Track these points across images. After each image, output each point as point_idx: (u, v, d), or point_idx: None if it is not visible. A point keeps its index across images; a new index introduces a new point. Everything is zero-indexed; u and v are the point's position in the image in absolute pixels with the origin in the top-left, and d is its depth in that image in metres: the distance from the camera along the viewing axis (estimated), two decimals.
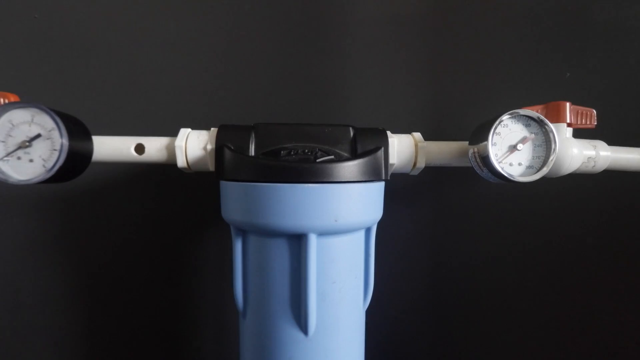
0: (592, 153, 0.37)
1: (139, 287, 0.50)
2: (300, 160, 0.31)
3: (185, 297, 0.51)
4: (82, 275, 0.50)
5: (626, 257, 0.51)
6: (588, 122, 0.37)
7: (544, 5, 0.48)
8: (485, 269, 0.52)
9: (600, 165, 0.38)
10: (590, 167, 0.38)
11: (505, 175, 0.33)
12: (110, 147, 0.36)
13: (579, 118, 0.36)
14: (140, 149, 0.36)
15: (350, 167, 0.31)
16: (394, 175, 0.37)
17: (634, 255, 0.51)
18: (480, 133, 0.34)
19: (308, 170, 0.30)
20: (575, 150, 0.36)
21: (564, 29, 0.49)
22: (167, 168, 0.37)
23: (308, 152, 0.32)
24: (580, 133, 0.37)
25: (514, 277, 0.52)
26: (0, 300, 0.49)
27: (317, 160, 0.31)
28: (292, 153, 0.32)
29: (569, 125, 0.36)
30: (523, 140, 0.33)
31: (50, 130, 0.32)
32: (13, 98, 0.34)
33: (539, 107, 0.37)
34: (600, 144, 0.38)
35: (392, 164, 0.36)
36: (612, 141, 0.38)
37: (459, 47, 0.49)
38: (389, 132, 0.36)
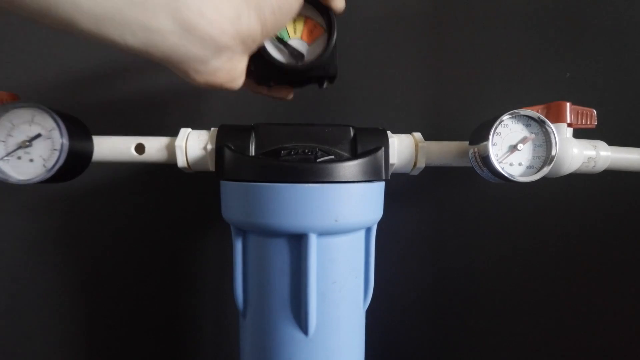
0: (592, 153, 0.37)
1: (138, 287, 0.50)
2: (300, 160, 0.31)
3: (185, 296, 0.51)
4: (81, 275, 0.50)
5: (627, 257, 0.51)
6: (588, 122, 0.37)
7: (545, 5, 0.48)
8: (485, 269, 0.52)
9: (601, 166, 0.38)
10: (591, 167, 0.38)
11: (506, 175, 0.33)
12: (110, 147, 0.36)
13: (579, 118, 0.36)
14: (140, 149, 0.36)
15: (351, 167, 0.31)
16: (394, 175, 0.37)
17: (634, 255, 0.51)
18: (480, 133, 0.34)
19: (308, 170, 0.30)
20: (575, 150, 0.36)
21: (565, 29, 0.49)
22: (167, 168, 0.37)
23: (308, 152, 0.32)
24: (580, 133, 0.37)
25: (514, 276, 0.52)
26: None
27: (318, 160, 0.31)
28: (292, 153, 0.32)
29: (569, 125, 0.36)
30: (523, 140, 0.33)
31: (50, 130, 0.32)
32: (13, 98, 0.34)
33: (540, 107, 0.37)
34: (601, 144, 0.38)
35: (393, 164, 0.36)
36: (612, 141, 0.38)
37: (459, 46, 0.49)
38: (389, 132, 0.36)
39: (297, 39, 0.32)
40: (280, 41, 0.31)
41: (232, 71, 0.26)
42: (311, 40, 0.32)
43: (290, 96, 0.39)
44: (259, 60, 0.29)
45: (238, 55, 0.25)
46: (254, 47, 0.26)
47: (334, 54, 0.32)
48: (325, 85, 0.35)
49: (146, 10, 0.20)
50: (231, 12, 0.23)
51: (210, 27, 0.22)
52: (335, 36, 0.31)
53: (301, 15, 0.31)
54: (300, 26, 0.32)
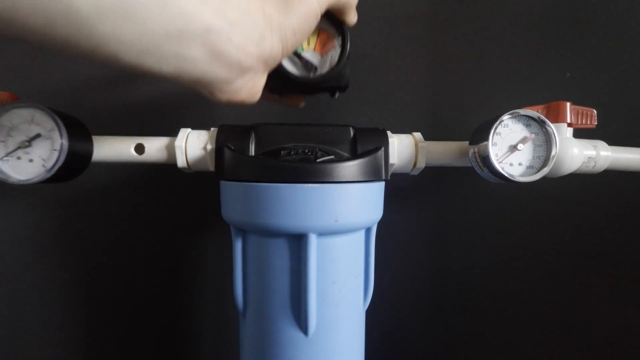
0: (592, 153, 0.37)
1: (138, 287, 0.50)
2: (300, 160, 0.31)
3: (185, 297, 0.51)
4: (81, 275, 0.50)
5: (627, 257, 0.51)
6: (588, 122, 0.37)
7: (545, 5, 0.48)
8: (485, 269, 0.52)
9: (601, 165, 0.38)
10: (591, 167, 0.38)
11: (506, 175, 0.33)
12: (110, 147, 0.36)
13: (579, 118, 0.36)
14: (140, 149, 0.36)
15: (351, 167, 0.31)
16: (394, 175, 0.37)
17: (635, 256, 0.51)
18: (480, 133, 0.34)
19: (308, 170, 0.30)
20: (575, 150, 0.36)
21: (566, 28, 0.49)
22: (167, 168, 0.37)
23: (308, 152, 0.32)
24: (580, 133, 0.37)
25: (514, 277, 0.52)
26: None
27: (317, 160, 0.31)
28: (292, 153, 0.32)
29: (569, 125, 0.36)
30: (523, 140, 0.33)
31: (50, 130, 0.32)
32: (13, 98, 0.34)
33: (540, 107, 0.37)
34: (601, 144, 0.38)
35: (393, 164, 0.36)
36: (612, 141, 0.38)
37: (459, 46, 0.49)
38: (389, 132, 0.36)
39: (310, 50, 0.32)
40: (294, 53, 0.32)
41: (253, 89, 0.27)
42: (324, 52, 0.32)
43: (302, 104, 0.39)
44: (272, 72, 0.29)
45: (260, 74, 0.27)
46: (274, 66, 0.27)
47: (347, 65, 0.32)
48: (337, 95, 0.35)
49: (182, 41, 0.21)
50: (256, 35, 0.24)
51: (237, 51, 0.23)
52: (348, 48, 0.32)
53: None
54: (313, 38, 0.32)
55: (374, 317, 0.39)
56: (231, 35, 0.22)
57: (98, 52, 0.20)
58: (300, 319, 0.31)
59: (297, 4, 0.26)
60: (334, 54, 0.32)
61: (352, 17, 0.32)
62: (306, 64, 0.32)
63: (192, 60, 0.22)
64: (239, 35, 0.23)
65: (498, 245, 0.51)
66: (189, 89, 0.25)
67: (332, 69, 0.32)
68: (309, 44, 0.32)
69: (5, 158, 0.32)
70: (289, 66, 0.32)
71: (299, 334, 0.31)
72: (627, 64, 0.49)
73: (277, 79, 0.31)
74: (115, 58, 0.20)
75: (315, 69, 0.32)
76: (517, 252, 0.51)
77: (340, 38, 0.32)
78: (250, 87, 0.27)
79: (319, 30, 0.32)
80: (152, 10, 0.19)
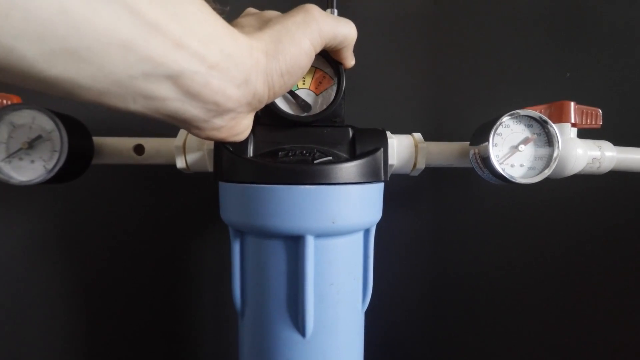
0: (597, 154, 0.36)
1: (138, 288, 0.51)
2: (298, 162, 0.31)
3: (184, 297, 0.51)
4: (81, 276, 0.50)
5: (632, 260, 0.50)
6: (593, 122, 0.36)
7: (546, 5, 0.48)
8: (485, 271, 0.51)
9: (606, 166, 0.37)
10: (595, 168, 0.37)
11: (506, 176, 0.32)
12: (110, 148, 0.36)
13: (583, 118, 0.36)
14: (139, 149, 0.36)
15: (349, 169, 0.31)
16: (393, 176, 0.37)
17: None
18: (481, 134, 0.34)
19: (305, 172, 0.29)
20: (579, 151, 0.35)
21: (569, 27, 0.48)
22: (166, 169, 0.38)
23: (306, 153, 0.32)
24: (586, 133, 0.36)
25: (515, 279, 0.51)
26: None
27: (315, 162, 0.31)
28: (289, 154, 0.32)
29: (573, 125, 0.35)
30: (525, 141, 0.33)
31: (50, 132, 0.32)
32: (15, 99, 0.35)
33: (543, 106, 0.36)
34: (606, 144, 0.37)
35: (392, 165, 0.36)
36: (618, 141, 0.38)
37: (460, 46, 0.48)
38: (388, 133, 0.35)
39: (305, 89, 0.32)
40: (289, 92, 0.32)
41: (236, 127, 0.27)
42: (319, 91, 0.32)
43: None
44: (265, 109, 0.29)
45: (243, 115, 0.26)
46: (260, 107, 0.27)
47: (342, 105, 0.32)
48: None
49: (149, 83, 0.20)
50: (239, 77, 0.23)
51: (214, 94, 0.22)
52: (343, 89, 0.32)
53: (310, 66, 0.31)
54: (309, 77, 0.32)
55: (373, 318, 0.39)
56: (209, 78, 0.22)
57: (53, 91, 0.19)
58: (298, 321, 0.31)
59: (288, 46, 0.25)
60: (330, 92, 0.32)
61: (349, 60, 0.32)
62: (300, 103, 0.32)
63: (162, 99, 0.21)
64: (218, 78, 0.22)
65: (499, 248, 0.51)
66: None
67: (327, 108, 0.32)
68: (304, 82, 0.32)
69: (7, 159, 0.32)
70: (282, 104, 0.32)
71: (297, 336, 0.31)
72: (633, 62, 0.48)
73: (270, 116, 0.31)
74: (73, 97, 0.19)
75: (310, 107, 0.32)
76: (518, 255, 0.51)
77: (336, 77, 0.32)
78: (232, 126, 0.26)
79: (314, 69, 0.32)
80: (111, 55, 0.18)
